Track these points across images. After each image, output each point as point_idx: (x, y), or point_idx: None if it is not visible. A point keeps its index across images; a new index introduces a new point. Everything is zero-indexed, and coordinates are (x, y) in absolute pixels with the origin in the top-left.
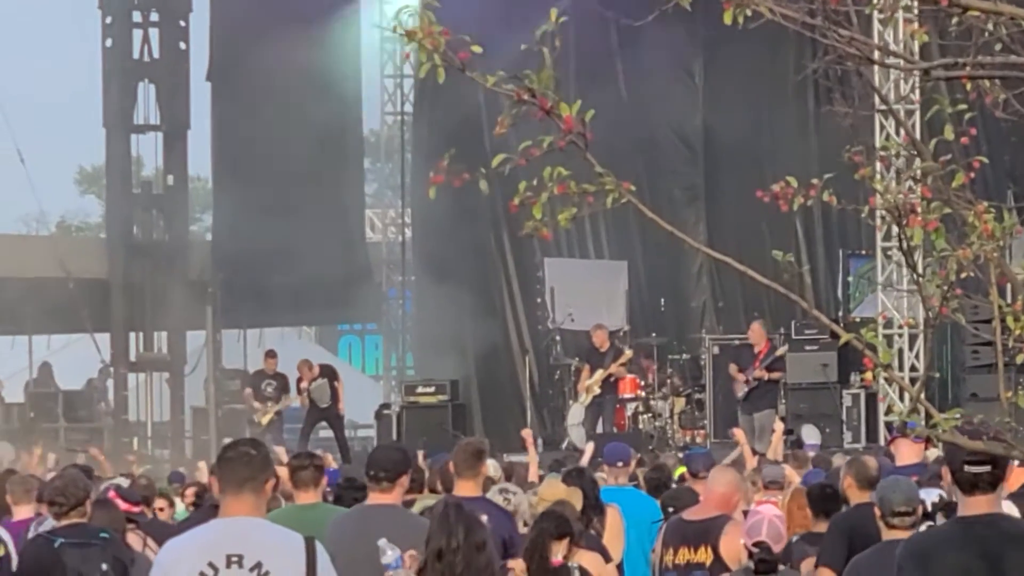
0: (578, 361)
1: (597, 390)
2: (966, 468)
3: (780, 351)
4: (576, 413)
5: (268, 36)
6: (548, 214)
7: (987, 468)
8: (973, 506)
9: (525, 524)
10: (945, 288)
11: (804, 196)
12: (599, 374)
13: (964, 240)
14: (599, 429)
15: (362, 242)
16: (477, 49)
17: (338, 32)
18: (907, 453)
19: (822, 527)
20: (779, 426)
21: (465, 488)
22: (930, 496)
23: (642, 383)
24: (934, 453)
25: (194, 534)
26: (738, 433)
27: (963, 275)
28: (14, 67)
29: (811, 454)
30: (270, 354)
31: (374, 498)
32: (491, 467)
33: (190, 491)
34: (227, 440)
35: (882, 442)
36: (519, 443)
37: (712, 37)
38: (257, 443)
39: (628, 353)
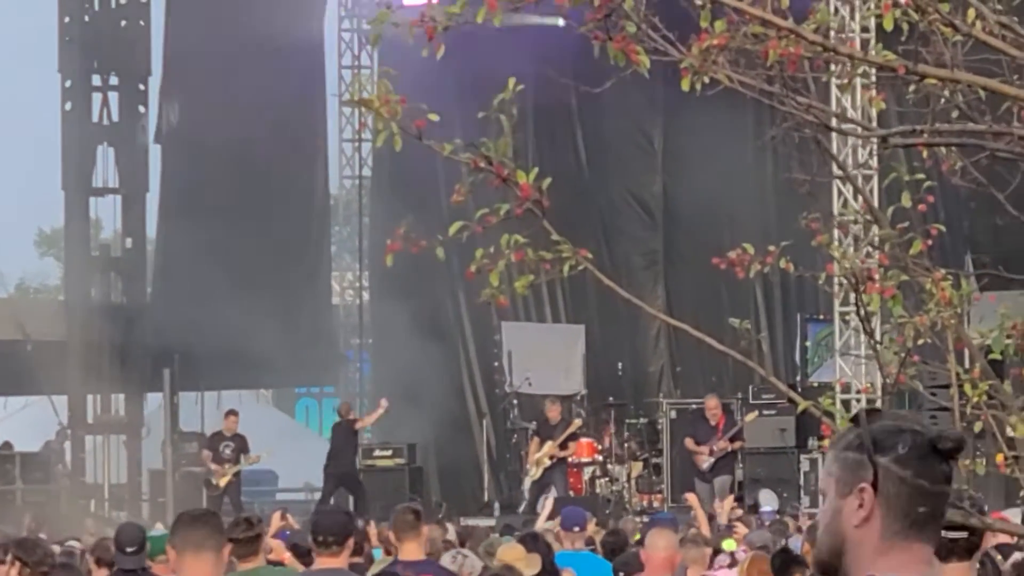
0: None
1: (547, 462)
2: (942, 534)
3: (747, 418)
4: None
5: (228, 98)
6: (505, 281)
7: (964, 534)
8: (949, 574)
9: None
10: (902, 355)
11: (760, 263)
12: (548, 446)
13: (922, 307)
14: (554, 494)
15: (327, 306)
16: (434, 117)
17: (303, 95)
18: None
19: None
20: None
21: (409, 551)
22: None
23: (599, 447)
24: None
25: None
26: (691, 498)
27: (920, 342)
28: None
29: (767, 522)
30: (230, 413)
31: (323, 562)
32: (450, 531)
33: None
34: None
35: None
36: (476, 507)
37: (672, 103)
38: (213, 511)
39: (576, 423)
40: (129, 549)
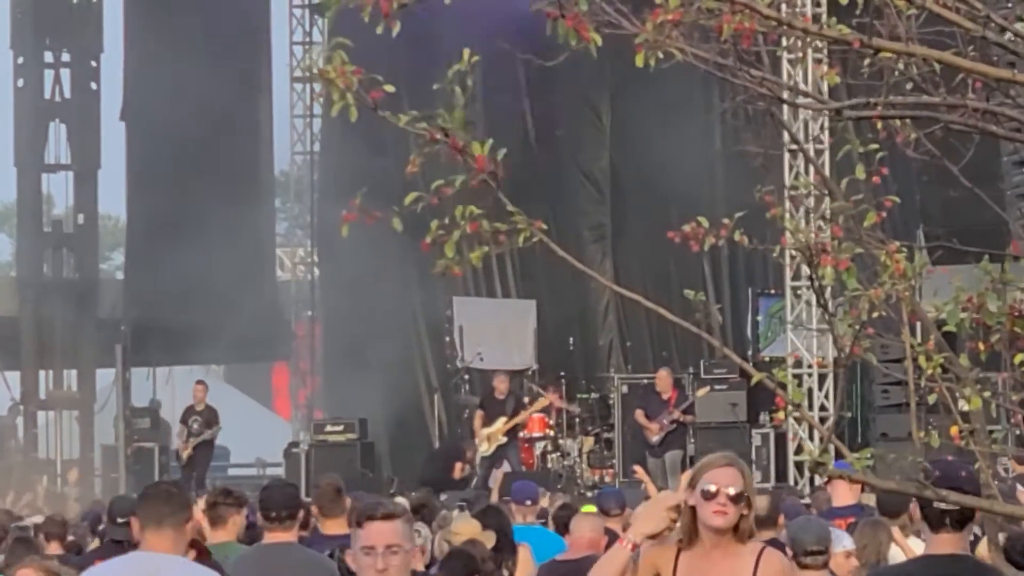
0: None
1: (503, 439)
2: (934, 504)
3: (699, 392)
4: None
5: (181, 76)
6: (457, 252)
7: (955, 506)
8: (939, 544)
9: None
10: (857, 327)
11: (715, 236)
12: (501, 422)
13: (876, 279)
14: (506, 469)
15: (272, 280)
16: (390, 88)
17: (250, 72)
18: (844, 494)
19: None
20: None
21: (334, 527)
22: (842, 542)
23: (550, 422)
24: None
25: (113, 564)
26: (639, 470)
27: (875, 314)
28: None
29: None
30: (199, 383)
31: (273, 537)
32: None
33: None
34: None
35: (791, 481)
36: None
37: (620, 77)
38: (178, 484)
39: (543, 401)
40: (120, 520)
